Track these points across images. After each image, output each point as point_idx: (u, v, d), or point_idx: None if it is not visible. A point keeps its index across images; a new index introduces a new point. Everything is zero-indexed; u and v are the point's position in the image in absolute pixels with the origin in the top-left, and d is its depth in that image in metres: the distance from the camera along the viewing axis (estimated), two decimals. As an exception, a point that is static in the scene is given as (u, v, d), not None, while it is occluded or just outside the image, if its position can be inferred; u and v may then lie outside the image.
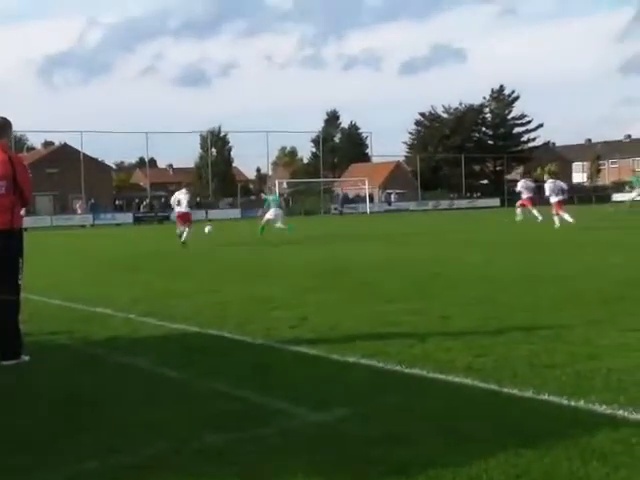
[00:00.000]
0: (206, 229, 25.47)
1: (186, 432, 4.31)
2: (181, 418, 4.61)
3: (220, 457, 3.89)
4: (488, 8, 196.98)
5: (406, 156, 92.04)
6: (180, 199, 24.28)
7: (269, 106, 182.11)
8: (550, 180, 26.70)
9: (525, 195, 29.07)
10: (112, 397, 5.24)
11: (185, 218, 23.92)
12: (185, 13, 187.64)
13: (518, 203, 29.98)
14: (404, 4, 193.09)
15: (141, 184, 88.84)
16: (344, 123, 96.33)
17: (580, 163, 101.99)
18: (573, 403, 4.63)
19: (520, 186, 29.86)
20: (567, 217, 24.91)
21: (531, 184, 29.70)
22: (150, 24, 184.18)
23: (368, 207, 68.53)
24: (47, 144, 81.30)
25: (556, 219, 25.30)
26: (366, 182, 70.02)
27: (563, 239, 20.47)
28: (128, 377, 5.84)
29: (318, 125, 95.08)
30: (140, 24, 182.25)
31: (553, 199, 25.86)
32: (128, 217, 59.33)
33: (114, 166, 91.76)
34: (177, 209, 24.58)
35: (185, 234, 23.08)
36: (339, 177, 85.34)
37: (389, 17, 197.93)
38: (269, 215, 26.61)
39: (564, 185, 26.71)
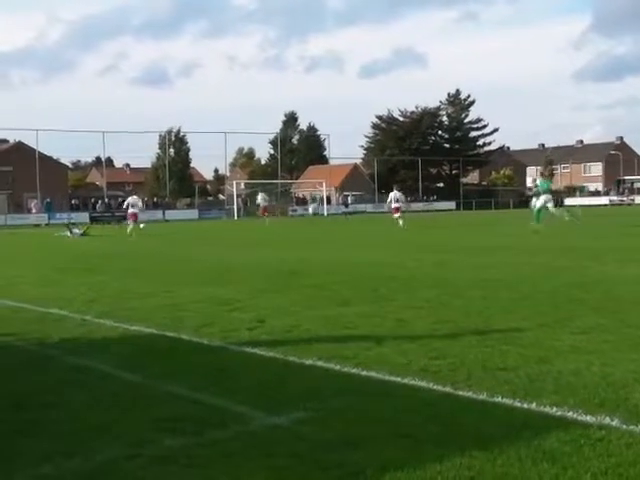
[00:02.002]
0: (141, 225, 32.24)
1: (142, 436, 4.29)
2: (137, 422, 4.58)
3: (176, 461, 3.88)
4: (449, 13, 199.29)
5: (363, 158, 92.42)
6: (134, 203, 33.16)
7: (229, 107, 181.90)
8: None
9: (394, 205, 35.38)
10: (66, 399, 5.18)
11: (136, 217, 32.74)
12: (147, 11, 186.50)
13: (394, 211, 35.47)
14: (366, 8, 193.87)
15: (97, 183, 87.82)
16: (302, 125, 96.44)
17: (534, 167, 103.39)
18: (525, 405, 4.72)
19: (391, 196, 35.83)
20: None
21: (399, 195, 35.81)
22: (112, 22, 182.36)
23: (325, 209, 68.78)
24: (1, 142, 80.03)
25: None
26: (324, 184, 70.19)
27: (513, 244, 20.76)
28: (83, 379, 5.77)
29: (277, 126, 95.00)
30: (101, 22, 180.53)
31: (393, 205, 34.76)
32: (84, 217, 58.57)
33: (70, 165, 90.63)
34: (131, 210, 32.86)
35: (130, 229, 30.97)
36: (297, 179, 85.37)
37: (352, 20, 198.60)
38: None
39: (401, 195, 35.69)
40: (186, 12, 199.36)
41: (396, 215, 34.31)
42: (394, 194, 35.34)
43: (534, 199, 30.29)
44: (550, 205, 28.62)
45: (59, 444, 4.18)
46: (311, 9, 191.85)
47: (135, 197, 34.32)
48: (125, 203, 34.48)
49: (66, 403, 5.10)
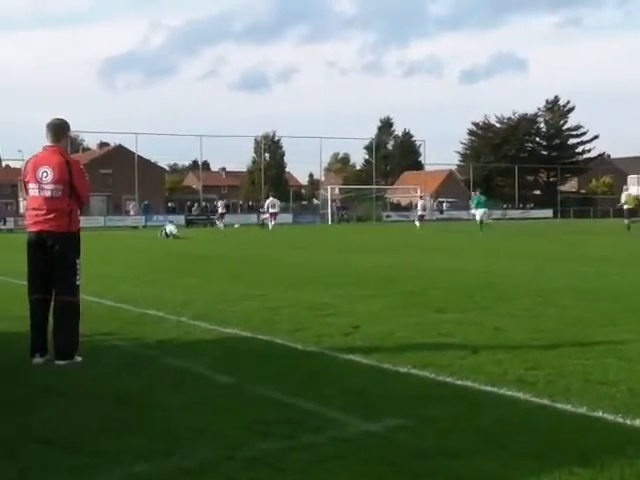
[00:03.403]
0: (235, 225, 33.48)
1: (237, 438, 4.33)
2: (232, 424, 4.63)
3: (270, 465, 3.90)
4: (552, 18, 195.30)
5: (459, 165, 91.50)
6: (273, 203, 44.01)
7: (326, 112, 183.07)
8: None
9: (420, 212, 41.76)
10: (163, 400, 5.28)
11: (275, 216, 43.38)
12: (249, 17, 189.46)
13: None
14: (470, 13, 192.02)
15: (193, 187, 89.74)
16: (398, 130, 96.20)
17: (635, 176, 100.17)
18: (628, 422, 4.56)
19: (420, 205, 42.37)
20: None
21: (427, 203, 42.30)
22: (213, 27, 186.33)
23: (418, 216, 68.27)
24: (102, 145, 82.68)
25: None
26: (418, 190, 69.80)
27: (611, 254, 20.15)
28: (179, 380, 5.88)
29: (372, 132, 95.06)
30: (204, 27, 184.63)
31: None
32: (180, 219, 59.93)
33: (167, 168, 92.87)
34: (271, 210, 43.63)
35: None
36: (392, 185, 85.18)
37: (454, 25, 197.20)
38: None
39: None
40: (287, 17, 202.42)
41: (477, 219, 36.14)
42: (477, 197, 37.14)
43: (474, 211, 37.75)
44: (485, 217, 36.26)
45: (156, 443, 4.26)
46: (412, 14, 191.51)
47: (273, 198, 44.43)
48: (265, 205, 45.33)
49: (163, 403, 5.20)
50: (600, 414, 4.72)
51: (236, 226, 36.36)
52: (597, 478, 3.64)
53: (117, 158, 71.91)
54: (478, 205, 36.64)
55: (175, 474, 3.83)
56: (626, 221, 34.57)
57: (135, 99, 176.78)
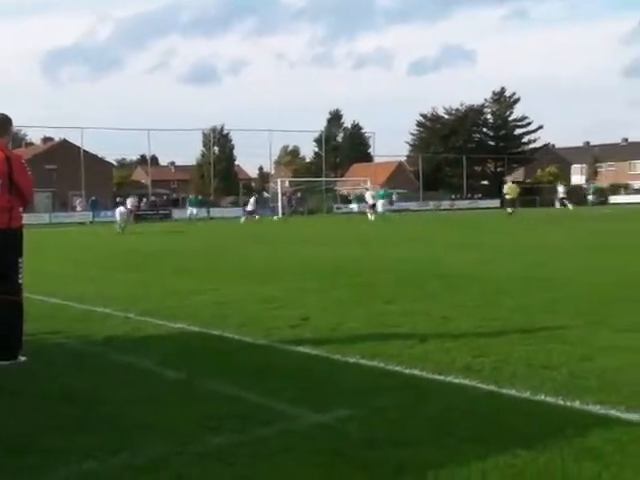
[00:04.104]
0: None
1: (187, 434, 4.33)
2: (182, 419, 4.62)
3: (220, 459, 3.91)
4: (499, 11, 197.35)
5: (408, 156, 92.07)
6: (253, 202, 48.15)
7: (275, 105, 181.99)
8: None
9: (371, 202, 43.02)
10: (111, 397, 5.25)
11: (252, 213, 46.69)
12: (197, 9, 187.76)
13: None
14: (419, 6, 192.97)
15: (142, 181, 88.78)
16: (347, 123, 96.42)
17: (579, 165, 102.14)
18: (568, 403, 4.70)
19: (369, 195, 43.82)
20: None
21: (373, 192, 44.25)
22: (161, 19, 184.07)
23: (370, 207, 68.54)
24: (46, 140, 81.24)
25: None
26: (368, 182, 70.05)
27: (558, 242, 20.54)
28: (128, 377, 5.85)
29: (322, 125, 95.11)
30: (151, 20, 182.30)
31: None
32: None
33: (115, 163, 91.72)
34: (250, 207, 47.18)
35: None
36: (341, 176, 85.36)
37: (402, 18, 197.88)
38: None
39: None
40: (236, 10, 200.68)
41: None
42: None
43: (377, 203, 42.94)
44: (380, 209, 42.01)
45: (104, 440, 4.23)
46: (360, 7, 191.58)
47: (254, 198, 49.95)
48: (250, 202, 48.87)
49: (111, 400, 5.16)
50: (543, 397, 4.84)
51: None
52: (538, 459, 3.74)
53: (62, 153, 70.70)
54: (381, 197, 43.54)
55: (124, 471, 3.80)
56: (509, 210, 38.92)
57: (81, 93, 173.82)
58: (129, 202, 46.52)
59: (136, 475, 3.76)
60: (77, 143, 67.62)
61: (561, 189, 52.88)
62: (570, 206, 47.98)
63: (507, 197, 40.54)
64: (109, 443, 4.18)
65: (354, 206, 68.74)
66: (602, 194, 76.92)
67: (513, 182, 41.02)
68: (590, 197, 56.37)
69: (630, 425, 4.22)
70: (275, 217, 47.80)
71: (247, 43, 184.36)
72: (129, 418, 4.70)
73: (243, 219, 46.74)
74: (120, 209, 37.26)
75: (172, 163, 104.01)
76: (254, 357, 6.40)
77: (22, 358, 6.43)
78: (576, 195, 57.16)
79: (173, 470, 3.79)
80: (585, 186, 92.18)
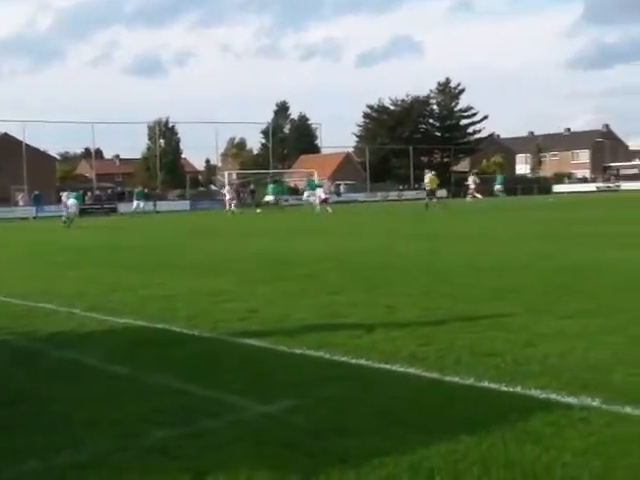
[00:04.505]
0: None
1: (132, 428, 4.31)
2: (127, 414, 4.60)
3: (165, 453, 3.90)
4: (445, 2, 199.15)
5: (355, 147, 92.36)
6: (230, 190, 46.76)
7: (222, 96, 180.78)
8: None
9: (323, 196, 43.21)
10: (56, 394, 5.19)
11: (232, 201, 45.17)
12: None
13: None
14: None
15: (86, 175, 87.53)
16: (294, 114, 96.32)
17: (523, 155, 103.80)
18: (511, 389, 4.80)
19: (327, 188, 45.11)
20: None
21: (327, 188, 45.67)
22: (104, 10, 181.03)
23: (318, 198, 68.59)
24: (-14, 134, 79.47)
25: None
26: (315, 173, 70.13)
27: (499, 232, 20.85)
28: (72, 373, 5.79)
29: (268, 116, 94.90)
30: (93, 10, 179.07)
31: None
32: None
33: (58, 157, 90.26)
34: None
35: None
36: (289, 168, 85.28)
37: (351, 8, 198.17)
38: None
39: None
40: (181, 0, 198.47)
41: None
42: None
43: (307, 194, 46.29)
44: (312, 199, 44.01)
45: (47, 439, 4.19)
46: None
47: (228, 187, 48.35)
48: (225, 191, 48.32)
49: (56, 397, 5.11)
50: (486, 384, 4.93)
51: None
52: (482, 444, 3.81)
53: (3, 147, 69.19)
54: (313, 188, 45.82)
55: (67, 469, 3.76)
56: (427, 200, 39.99)
57: (22, 85, 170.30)
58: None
59: (79, 472, 3.72)
60: (19, 137, 66.38)
61: (472, 180, 53.62)
62: (479, 196, 48.62)
63: (427, 188, 41.15)
64: (52, 441, 4.14)
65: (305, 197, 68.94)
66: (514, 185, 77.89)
67: (433, 174, 41.25)
68: (497, 187, 56.92)
69: (569, 409, 4.33)
70: (227, 210, 47.04)
71: (193, 34, 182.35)
72: (73, 415, 4.65)
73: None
74: (72, 201, 36.73)
75: (117, 156, 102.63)
76: (201, 350, 6.39)
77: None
78: (488, 186, 57.89)
79: (115, 466, 3.77)
80: (530, 176, 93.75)
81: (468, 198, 48.46)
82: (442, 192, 76.20)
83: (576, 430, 3.97)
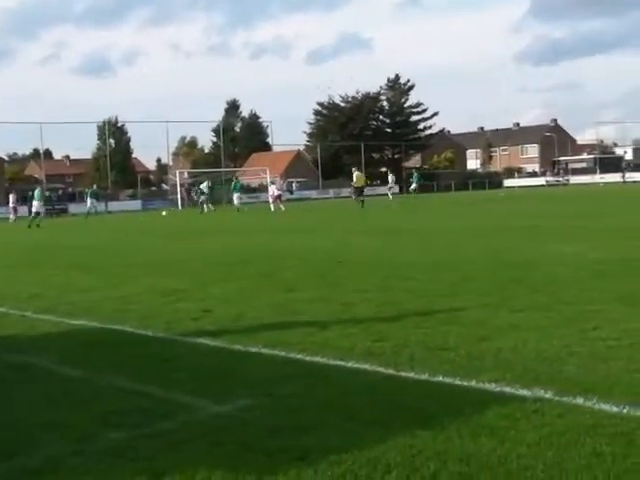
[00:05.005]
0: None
1: (87, 431, 4.26)
2: (82, 417, 4.55)
3: (121, 455, 3.87)
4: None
5: (307, 145, 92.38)
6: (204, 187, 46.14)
7: (173, 95, 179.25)
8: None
9: (276, 193, 43.98)
10: (7, 398, 5.11)
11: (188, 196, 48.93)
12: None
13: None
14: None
15: (36, 176, 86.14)
16: (244, 112, 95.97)
17: (474, 150, 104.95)
18: (465, 383, 4.85)
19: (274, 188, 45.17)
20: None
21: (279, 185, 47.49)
22: (52, 10, 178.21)
23: (271, 196, 68.51)
24: None
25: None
26: (267, 171, 69.99)
27: (452, 226, 21.04)
28: (25, 376, 5.70)
29: (219, 114, 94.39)
30: (41, 9, 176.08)
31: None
32: (23, 210, 57.38)
33: (6, 158, 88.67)
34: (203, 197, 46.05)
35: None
36: (241, 167, 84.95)
37: (299, 6, 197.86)
38: None
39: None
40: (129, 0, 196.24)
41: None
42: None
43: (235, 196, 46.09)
44: (237, 201, 44.91)
45: (1, 444, 4.12)
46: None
47: (206, 183, 47.55)
48: (202, 187, 47.02)
49: (6, 402, 5.03)
50: (441, 379, 4.97)
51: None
52: (437, 438, 3.85)
53: (-51, 149, 68.04)
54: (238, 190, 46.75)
55: (20, 475, 3.71)
56: (354, 197, 40.67)
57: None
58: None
59: (32, 478, 3.67)
60: (-35, 138, 65.10)
61: (390, 179, 54.13)
62: (390, 197, 49.52)
63: (355, 186, 40.94)
64: (5, 446, 4.08)
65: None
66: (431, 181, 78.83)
67: (360, 172, 41.78)
68: (413, 186, 57.81)
69: (523, 401, 4.39)
70: (163, 210, 46.51)
71: (142, 33, 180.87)
72: (26, 419, 4.59)
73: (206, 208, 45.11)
74: (37, 202, 35.92)
75: (67, 157, 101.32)
76: (155, 350, 6.35)
77: None
78: (406, 184, 59.07)
79: (71, 470, 3.72)
80: (481, 171, 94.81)
81: (390, 196, 49.37)
82: (395, 188, 77.09)
83: (530, 422, 4.03)
